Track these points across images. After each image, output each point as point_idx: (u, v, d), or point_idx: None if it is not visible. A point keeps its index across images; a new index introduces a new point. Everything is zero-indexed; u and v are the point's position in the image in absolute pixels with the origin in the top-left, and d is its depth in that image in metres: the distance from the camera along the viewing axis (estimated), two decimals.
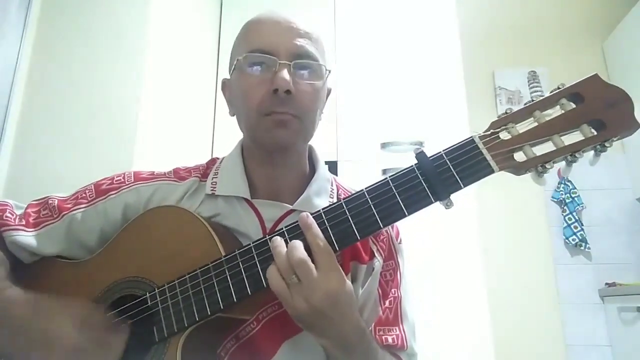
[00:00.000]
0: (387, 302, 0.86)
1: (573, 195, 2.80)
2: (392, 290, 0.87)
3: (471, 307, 1.93)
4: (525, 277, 2.72)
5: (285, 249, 0.65)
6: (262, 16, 0.84)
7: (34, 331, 0.69)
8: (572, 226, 2.76)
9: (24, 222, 0.84)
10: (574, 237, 2.74)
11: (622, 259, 2.74)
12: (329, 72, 0.84)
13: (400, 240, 0.92)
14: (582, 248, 2.74)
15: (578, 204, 2.78)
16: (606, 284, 2.69)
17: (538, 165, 0.64)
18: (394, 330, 0.84)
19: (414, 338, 0.87)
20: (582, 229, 2.75)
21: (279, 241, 0.66)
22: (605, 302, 2.68)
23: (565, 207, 2.80)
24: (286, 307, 0.65)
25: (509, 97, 2.99)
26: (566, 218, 2.78)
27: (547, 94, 0.66)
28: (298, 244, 0.65)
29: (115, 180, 0.88)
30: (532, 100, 0.65)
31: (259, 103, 0.78)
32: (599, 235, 2.77)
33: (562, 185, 2.82)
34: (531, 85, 2.96)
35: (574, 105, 0.64)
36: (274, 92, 0.76)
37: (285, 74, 0.76)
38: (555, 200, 2.85)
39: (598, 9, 3.11)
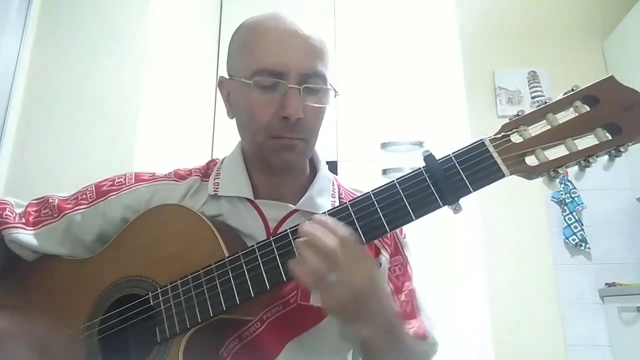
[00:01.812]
0: (402, 296, 0.85)
1: (573, 195, 2.80)
2: (406, 283, 0.86)
3: (471, 307, 1.93)
4: (525, 277, 2.72)
5: (316, 243, 0.61)
6: (267, 25, 0.79)
7: None
8: (572, 226, 2.77)
9: (23, 221, 0.84)
10: (574, 237, 2.75)
11: (622, 259, 2.75)
12: (337, 94, 0.83)
13: (405, 234, 0.92)
14: (582, 248, 2.74)
15: (578, 204, 2.78)
16: (606, 284, 2.69)
17: (550, 170, 0.62)
18: (414, 322, 0.83)
19: (433, 327, 0.86)
20: (582, 229, 2.75)
21: (310, 232, 0.63)
22: (605, 302, 2.68)
23: (565, 207, 2.80)
24: (326, 303, 0.62)
25: (509, 97, 2.99)
26: (566, 218, 2.79)
27: (560, 96, 0.63)
28: (325, 236, 0.62)
29: (116, 182, 0.88)
30: (545, 102, 0.63)
31: (267, 125, 0.76)
32: (599, 235, 2.77)
33: (562, 185, 2.82)
34: (531, 85, 2.96)
35: (588, 108, 0.62)
36: (283, 118, 0.75)
37: (295, 101, 0.74)
38: (555, 200, 2.85)
39: (598, 9, 3.12)
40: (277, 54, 0.76)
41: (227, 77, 0.86)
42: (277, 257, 0.67)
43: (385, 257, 0.85)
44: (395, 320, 0.70)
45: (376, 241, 0.85)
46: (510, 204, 2.79)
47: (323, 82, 0.79)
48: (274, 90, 0.76)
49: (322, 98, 0.80)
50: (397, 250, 0.88)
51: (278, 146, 0.77)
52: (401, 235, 0.91)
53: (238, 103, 0.82)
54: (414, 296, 0.87)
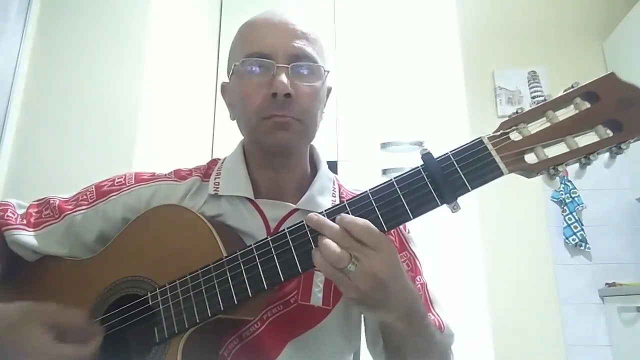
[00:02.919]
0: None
1: (573, 195, 2.80)
2: (417, 277, 0.86)
3: (471, 307, 1.93)
4: (525, 277, 2.72)
5: (336, 237, 0.61)
6: (258, 18, 0.83)
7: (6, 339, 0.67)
8: (572, 226, 2.77)
9: (25, 222, 0.84)
10: (574, 237, 2.75)
11: (622, 259, 2.75)
12: (328, 72, 0.84)
13: (409, 230, 0.91)
14: (582, 248, 2.74)
15: (578, 204, 2.78)
16: (606, 284, 2.69)
17: (550, 168, 0.61)
18: (429, 316, 0.82)
19: (448, 319, 0.86)
20: (582, 229, 2.75)
21: (323, 220, 0.63)
22: (605, 302, 2.69)
23: (565, 207, 2.80)
24: (347, 292, 0.62)
25: (509, 97, 2.99)
26: (566, 218, 2.79)
27: (561, 93, 0.63)
28: (342, 231, 0.61)
29: (116, 182, 0.88)
30: (544, 100, 0.63)
31: (259, 106, 0.77)
32: (599, 235, 2.77)
33: (562, 185, 2.82)
34: (531, 85, 2.96)
35: (588, 105, 0.61)
36: (273, 96, 0.76)
37: (283, 77, 0.76)
38: (555, 200, 2.85)
39: (598, 9, 3.12)
40: (265, 38, 0.79)
41: (227, 81, 0.87)
42: (275, 256, 0.67)
43: None
44: (419, 304, 0.70)
45: None
46: (510, 203, 2.80)
47: (313, 62, 0.80)
48: (265, 73, 0.78)
49: (313, 78, 0.80)
50: (403, 247, 0.88)
51: (270, 126, 0.77)
52: (405, 230, 0.90)
53: (234, 96, 0.84)
54: (426, 290, 0.86)
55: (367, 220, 0.62)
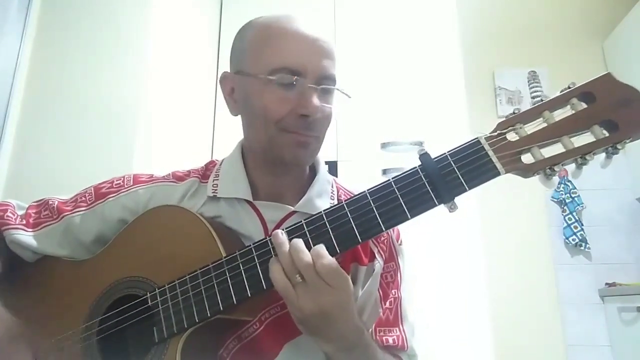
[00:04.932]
0: (387, 303, 0.85)
1: (573, 195, 2.79)
2: (393, 291, 0.87)
3: (471, 307, 1.93)
4: (525, 277, 2.72)
5: (288, 248, 0.64)
6: (289, 26, 0.79)
7: None
8: (572, 226, 2.76)
9: (24, 222, 0.85)
10: (574, 237, 2.74)
11: (622, 259, 2.74)
12: (350, 97, 0.85)
13: (401, 241, 0.92)
14: (582, 248, 2.73)
15: (578, 204, 2.78)
16: (606, 284, 2.69)
17: (546, 168, 0.62)
18: (394, 331, 0.84)
19: (415, 338, 0.87)
20: (582, 229, 2.75)
21: (282, 239, 0.65)
22: (605, 302, 2.68)
23: (565, 207, 2.80)
24: (291, 309, 0.65)
25: (509, 97, 2.99)
26: (566, 218, 2.78)
27: (557, 94, 0.63)
28: (300, 244, 0.64)
29: (115, 184, 0.88)
30: (541, 100, 0.63)
31: (280, 120, 0.77)
32: (599, 235, 2.76)
33: (562, 185, 2.82)
34: (531, 85, 2.96)
35: (585, 105, 0.62)
36: (301, 116, 0.76)
37: (316, 100, 0.76)
38: (555, 200, 2.85)
39: (598, 9, 3.11)
40: (299, 54, 0.77)
41: (231, 72, 0.85)
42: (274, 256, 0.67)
43: (379, 263, 0.85)
44: (361, 338, 0.70)
45: (372, 246, 0.86)
46: (510, 204, 2.79)
47: (334, 84, 0.81)
48: (292, 88, 0.77)
49: (332, 100, 0.82)
50: (392, 257, 0.88)
51: (292, 141, 0.78)
52: (397, 242, 0.91)
53: (248, 99, 0.81)
54: (399, 304, 0.87)
55: (333, 260, 0.64)
